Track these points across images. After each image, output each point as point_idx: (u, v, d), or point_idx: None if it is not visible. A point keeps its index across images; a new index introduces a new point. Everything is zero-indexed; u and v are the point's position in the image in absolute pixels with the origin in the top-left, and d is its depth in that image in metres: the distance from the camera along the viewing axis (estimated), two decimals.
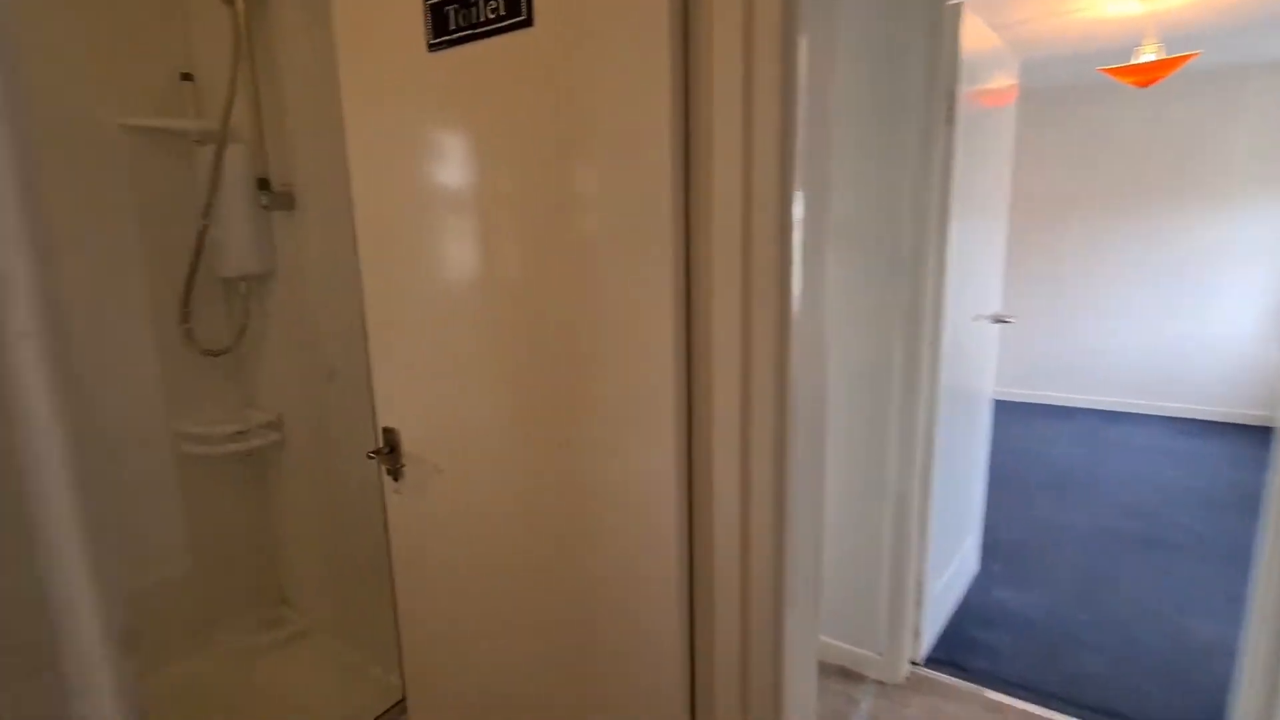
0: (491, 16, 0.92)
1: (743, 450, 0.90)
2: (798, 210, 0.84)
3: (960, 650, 1.98)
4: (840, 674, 1.88)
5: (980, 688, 1.82)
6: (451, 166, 1.05)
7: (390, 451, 1.23)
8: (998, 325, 2.26)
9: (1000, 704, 1.76)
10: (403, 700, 1.50)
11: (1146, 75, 2.71)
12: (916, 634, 1.88)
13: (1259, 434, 3.74)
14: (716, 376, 0.89)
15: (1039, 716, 1.72)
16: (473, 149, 1.02)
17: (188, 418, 1.84)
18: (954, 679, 1.86)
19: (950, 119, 1.64)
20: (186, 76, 1.74)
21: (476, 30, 0.94)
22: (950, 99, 1.63)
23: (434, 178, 1.07)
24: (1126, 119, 3.98)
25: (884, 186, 1.65)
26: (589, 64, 0.87)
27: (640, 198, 0.87)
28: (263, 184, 1.66)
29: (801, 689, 1.01)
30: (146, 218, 1.74)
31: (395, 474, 1.23)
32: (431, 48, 1.00)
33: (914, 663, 1.90)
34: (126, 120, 1.65)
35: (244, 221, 1.70)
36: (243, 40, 1.58)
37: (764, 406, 0.87)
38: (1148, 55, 2.68)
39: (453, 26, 0.96)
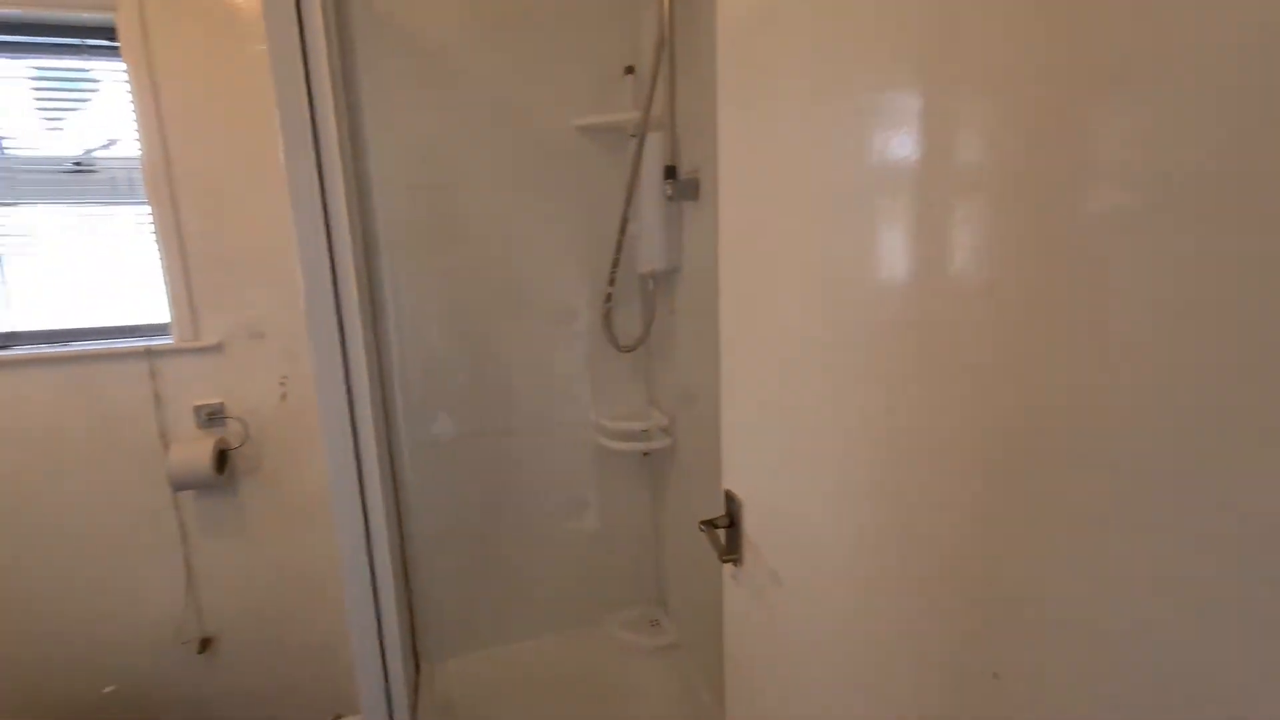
0: None
1: None
2: None
3: None
4: None
5: None
6: (852, 121, 0.60)
7: (730, 526, 0.88)
8: None
9: None
10: None
11: None
12: None
13: None
14: None
15: None
16: (889, 88, 0.55)
17: (600, 409, 1.91)
18: None
19: None
20: (629, 70, 1.73)
21: None
22: None
23: (816, 145, 0.65)
24: None
25: None
26: None
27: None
28: (670, 172, 1.52)
29: None
30: (589, 213, 1.82)
31: (735, 558, 0.88)
32: None
33: None
34: (577, 121, 1.73)
35: (654, 214, 1.60)
36: (665, 22, 1.43)
37: None
38: None
39: None
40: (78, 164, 1.57)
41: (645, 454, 1.94)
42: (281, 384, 1.68)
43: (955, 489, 0.51)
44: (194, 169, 1.55)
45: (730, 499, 0.88)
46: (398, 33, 1.61)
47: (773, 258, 0.75)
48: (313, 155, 0.92)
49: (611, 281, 1.75)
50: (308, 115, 0.91)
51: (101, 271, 1.63)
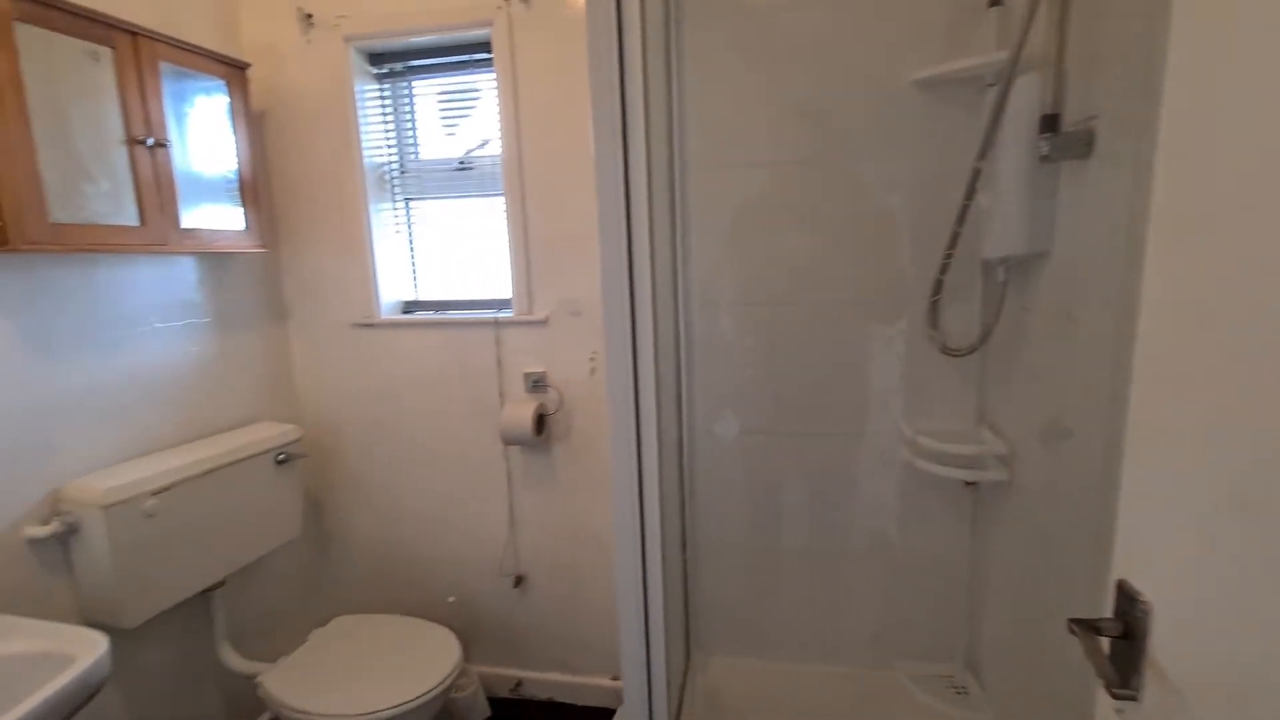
0: None
1: None
2: None
3: None
4: None
5: None
6: None
7: (1123, 637, 0.59)
8: None
9: None
10: None
11: None
12: None
13: None
14: None
15: None
16: None
17: (913, 421, 1.60)
18: None
19: None
20: (995, 1, 1.37)
21: None
22: None
23: None
24: None
25: None
26: None
27: None
28: (1049, 124, 1.14)
29: None
30: (921, 185, 1.52)
31: (1131, 694, 0.58)
32: None
33: None
34: (916, 74, 1.45)
35: (1017, 181, 1.23)
36: None
37: None
38: None
39: None
40: (461, 163, 1.88)
41: (969, 484, 1.58)
42: (591, 360, 1.80)
43: None
44: (538, 163, 1.73)
45: (1128, 598, 0.58)
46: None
47: (1234, 235, 0.44)
48: (620, 147, 0.89)
49: (944, 269, 1.44)
50: (618, 104, 0.89)
51: (470, 253, 1.95)
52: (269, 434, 1.70)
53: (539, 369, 1.82)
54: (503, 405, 1.84)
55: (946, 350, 1.49)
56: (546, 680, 2.01)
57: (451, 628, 1.73)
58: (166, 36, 1.42)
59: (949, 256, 1.43)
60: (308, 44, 1.77)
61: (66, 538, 1.32)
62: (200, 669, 1.65)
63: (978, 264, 1.47)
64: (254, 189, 1.68)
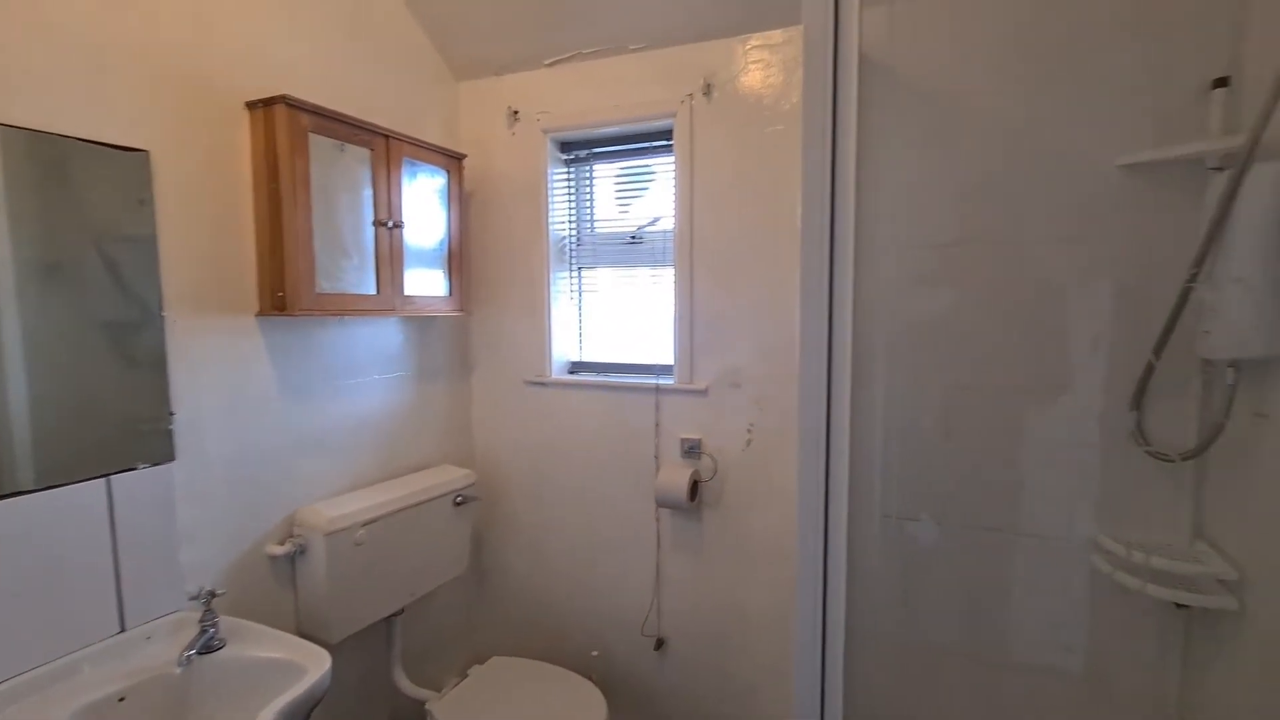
0: None
1: None
2: None
3: None
4: None
5: None
6: None
7: None
8: None
9: None
10: None
11: None
12: None
13: None
14: None
15: None
16: None
17: (1107, 526, 1.45)
18: None
19: None
20: (1221, 82, 1.28)
21: None
22: None
23: None
24: None
25: None
26: None
27: None
28: None
29: None
30: (1126, 272, 1.42)
31: None
32: None
33: None
34: (1124, 159, 1.37)
35: (1257, 275, 1.12)
36: None
37: None
38: None
39: None
40: (633, 237, 2.03)
41: (1180, 607, 1.39)
42: (748, 432, 1.82)
43: None
44: (707, 239, 1.82)
45: None
46: (891, 80, 1.56)
47: None
48: (827, 222, 0.93)
49: (1150, 367, 1.32)
50: (828, 187, 0.93)
51: (635, 319, 2.07)
52: (450, 477, 1.89)
53: (695, 435, 1.87)
54: (658, 468, 1.90)
55: (1154, 455, 1.35)
56: None
57: (593, 680, 1.77)
58: (410, 137, 1.69)
59: (1158, 354, 1.31)
60: (512, 136, 2.02)
61: (295, 557, 1.54)
62: (376, 689, 1.82)
63: (1195, 360, 1.33)
64: (459, 260, 1.92)
